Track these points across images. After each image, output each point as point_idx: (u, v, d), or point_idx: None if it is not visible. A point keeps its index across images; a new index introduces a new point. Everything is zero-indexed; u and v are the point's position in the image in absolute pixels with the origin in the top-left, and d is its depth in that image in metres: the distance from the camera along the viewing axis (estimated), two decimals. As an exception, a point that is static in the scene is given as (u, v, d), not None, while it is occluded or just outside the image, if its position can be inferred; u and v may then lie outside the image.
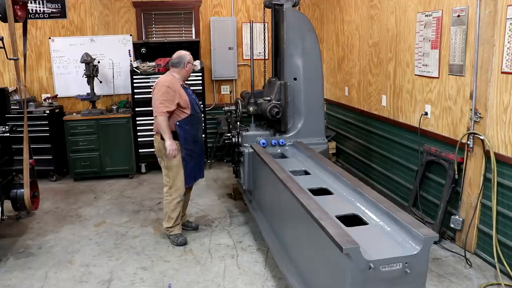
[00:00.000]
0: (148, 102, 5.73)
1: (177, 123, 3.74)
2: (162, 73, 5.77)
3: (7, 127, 4.12)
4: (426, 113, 4.14)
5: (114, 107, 5.92)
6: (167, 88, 3.66)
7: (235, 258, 3.68)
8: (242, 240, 4.01)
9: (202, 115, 4.38)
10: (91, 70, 5.79)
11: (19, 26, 3.93)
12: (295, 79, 4.36)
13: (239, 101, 4.62)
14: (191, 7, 6.42)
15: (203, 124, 4.16)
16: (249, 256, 3.70)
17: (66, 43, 6.16)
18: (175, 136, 3.75)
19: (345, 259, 2.10)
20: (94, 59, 5.82)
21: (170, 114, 3.72)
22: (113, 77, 6.17)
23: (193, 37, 6.48)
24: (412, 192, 4.32)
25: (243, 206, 4.73)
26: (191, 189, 4.26)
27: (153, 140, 3.95)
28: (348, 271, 2.10)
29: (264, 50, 4.94)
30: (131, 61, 6.13)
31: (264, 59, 5.41)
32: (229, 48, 6.40)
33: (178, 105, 3.71)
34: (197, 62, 5.98)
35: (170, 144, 3.68)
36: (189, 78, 5.74)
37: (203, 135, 4.33)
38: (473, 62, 3.47)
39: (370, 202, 2.68)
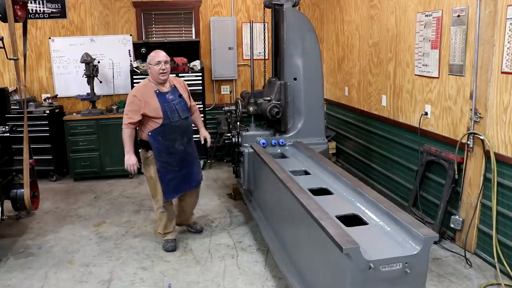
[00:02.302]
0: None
1: (149, 133, 3.53)
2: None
3: (7, 127, 4.12)
4: (426, 113, 4.14)
5: (114, 107, 5.92)
6: (133, 98, 3.49)
7: (235, 258, 3.68)
8: (242, 240, 4.01)
9: (202, 118, 4.06)
10: (91, 70, 5.78)
11: (19, 26, 3.93)
12: (295, 79, 4.36)
13: (239, 101, 4.62)
14: (191, 7, 6.42)
15: (189, 132, 3.72)
16: (249, 256, 3.70)
17: (66, 43, 6.16)
18: (149, 147, 3.59)
19: (345, 259, 2.10)
20: (94, 59, 5.82)
21: (141, 123, 3.55)
22: (113, 77, 6.17)
23: (193, 37, 6.48)
24: (412, 192, 4.32)
25: (243, 206, 4.73)
26: (197, 195, 4.05)
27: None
28: (348, 271, 2.10)
29: (264, 50, 4.94)
30: (131, 61, 6.13)
31: (264, 59, 5.40)
32: (229, 48, 6.40)
33: (145, 115, 3.49)
34: (197, 62, 5.99)
35: (127, 159, 3.55)
36: (190, 78, 5.83)
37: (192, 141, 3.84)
38: (473, 62, 3.47)
39: (370, 202, 2.68)
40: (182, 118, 3.62)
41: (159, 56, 3.53)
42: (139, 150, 3.76)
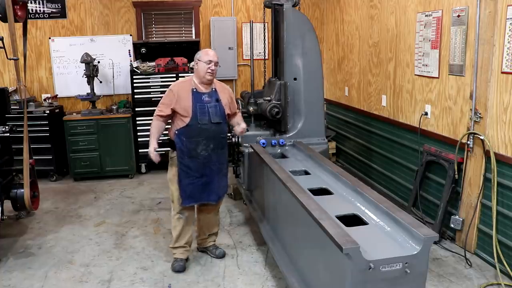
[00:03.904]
0: (148, 102, 5.79)
1: (176, 131, 3.37)
2: (162, 73, 5.86)
3: (7, 127, 4.12)
4: (426, 113, 4.14)
5: (114, 107, 5.92)
6: (169, 91, 3.38)
7: (235, 258, 3.68)
8: (242, 240, 4.00)
9: (225, 127, 3.55)
10: (91, 70, 5.79)
11: (19, 26, 3.93)
12: (295, 79, 4.36)
13: (239, 101, 4.62)
14: (191, 7, 6.42)
15: (217, 139, 3.43)
16: (249, 256, 3.70)
17: (66, 43, 6.17)
18: (173, 145, 3.43)
19: (345, 259, 2.09)
20: (94, 59, 5.82)
21: (172, 121, 3.43)
22: (113, 77, 6.17)
23: (193, 37, 6.48)
24: (412, 192, 4.32)
25: (243, 206, 4.73)
26: (215, 213, 3.69)
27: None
28: (348, 271, 2.10)
29: (264, 50, 4.94)
30: (131, 61, 6.13)
31: (264, 59, 5.40)
32: (229, 48, 6.40)
33: (175, 111, 3.35)
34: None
35: (149, 150, 3.38)
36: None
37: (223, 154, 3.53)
38: (473, 62, 3.47)
39: (370, 202, 2.68)
40: (212, 122, 3.38)
41: (211, 55, 3.36)
42: (168, 149, 3.57)
